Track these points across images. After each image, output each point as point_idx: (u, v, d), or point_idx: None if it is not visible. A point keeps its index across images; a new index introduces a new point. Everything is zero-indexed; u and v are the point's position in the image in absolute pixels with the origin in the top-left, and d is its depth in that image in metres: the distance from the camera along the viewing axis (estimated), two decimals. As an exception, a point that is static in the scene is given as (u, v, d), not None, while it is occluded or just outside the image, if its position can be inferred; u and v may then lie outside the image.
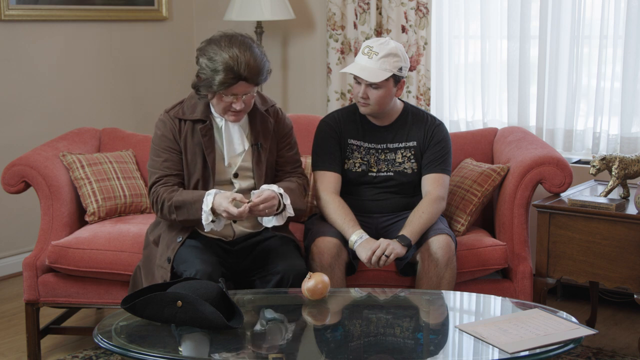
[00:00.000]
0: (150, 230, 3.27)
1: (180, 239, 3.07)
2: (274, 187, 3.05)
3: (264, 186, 3.06)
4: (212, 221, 2.97)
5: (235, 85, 2.97)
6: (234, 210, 2.91)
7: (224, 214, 2.94)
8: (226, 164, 3.14)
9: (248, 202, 2.93)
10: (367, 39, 4.62)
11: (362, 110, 3.36)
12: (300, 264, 3.06)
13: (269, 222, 3.08)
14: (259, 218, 3.10)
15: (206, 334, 2.50)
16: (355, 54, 4.52)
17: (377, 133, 3.44)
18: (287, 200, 3.06)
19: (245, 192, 3.12)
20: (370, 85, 3.27)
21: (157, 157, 3.14)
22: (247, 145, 3.15)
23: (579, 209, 3.31)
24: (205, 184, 3.11)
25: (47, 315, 3.90)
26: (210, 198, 2.96)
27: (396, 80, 3.30)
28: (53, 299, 3.54)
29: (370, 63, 3.25)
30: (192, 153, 3.11)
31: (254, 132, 3.18)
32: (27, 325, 3.56)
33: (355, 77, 3.31)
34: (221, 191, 3.00)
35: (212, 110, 3.14)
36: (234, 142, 3.13)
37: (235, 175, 3.16)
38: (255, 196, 2.96)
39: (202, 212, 2.96)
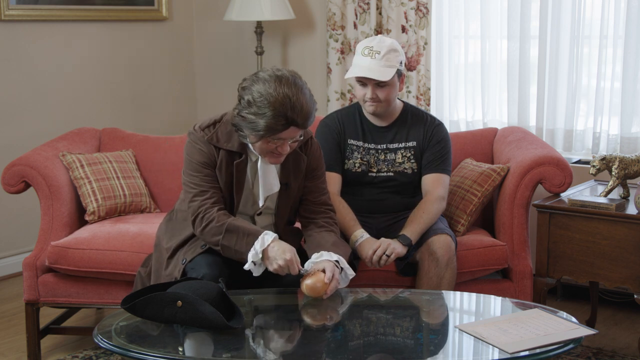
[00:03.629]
0: (162, 232, 3.15)
1: (185, 260, 2.96)
2: (327, 256, 2.84)
3: (323, 256, 2.85)
4: (254, 262, 2.79)
5: (285, 131, 2.73)
6: (295, 270, 2.75)
7: (280, 262, 2.74)
8: (261, 204, 2.96)
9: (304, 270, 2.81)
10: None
11: (372, 110, 3.34)
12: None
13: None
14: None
15: (209, 334, 2.50)
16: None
17: (377, 133, 3.44)
18: (344, 264, 2.86)
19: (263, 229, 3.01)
20: (379, 84, 3.27)
21: (197, 173, 2.91)
22: (279, 186, 2.96)
23: (579, 209, 3.31)
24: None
25: (47, 315, 3.89)
26: (269, 239, 2.78)
27: (398, 74, 3.31)
28: (53, 299, 3.54)
29: (374, 63, 3.25)
30: (222, 182, 2.92)
31: (285, 171, 2.98)
32: (27, 325, 3.56)
33: (360, 79, 3.30)
34: (279, 239, 2.82)
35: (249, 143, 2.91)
36: (270, 182, 2.93)
37: (259, 213, 3.03)
38: (328, 277, 2.76)
39: (252, 248, 2.78)
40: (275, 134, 2.74)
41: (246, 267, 2.81)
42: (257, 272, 2.83)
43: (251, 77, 2.79)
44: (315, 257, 2.86)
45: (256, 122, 2.71)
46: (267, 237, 2.79)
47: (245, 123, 2.75)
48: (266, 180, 2.93)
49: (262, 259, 2.80)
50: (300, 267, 2.79)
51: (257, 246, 2.78)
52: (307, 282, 2.76)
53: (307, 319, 2.77)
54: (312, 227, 3.05)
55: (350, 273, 2.90)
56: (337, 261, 2.85)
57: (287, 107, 2.68)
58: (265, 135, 2.73)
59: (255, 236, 2.80)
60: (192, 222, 2.92)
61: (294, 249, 2.80)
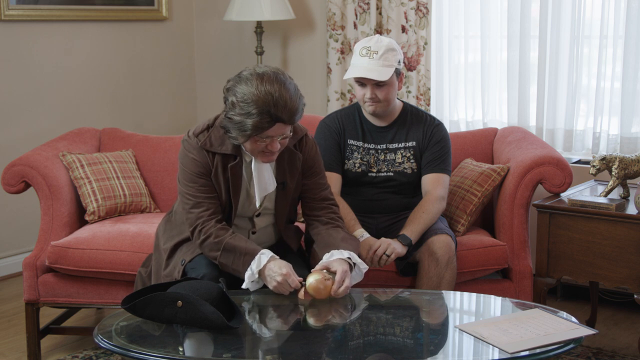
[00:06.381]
0: (161, 232, 3.16)
1: (184, 261, 2.97)
2: (338, 254, 2.84)
3: (334, 255, 2.83)
4: (252, 281, 2.78)
5: (272, 128, 2.72)
6: (295, 282, 2.73)
7: (278, 279, 2.72)
8: (257, 205, 2.95)
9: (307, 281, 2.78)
10: (367, 39, 4.63)
11: (372, 109, 3.34)
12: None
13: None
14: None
15: (209, 334, 2.50)
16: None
17: (377, 133, 3.44)
18: (356, 259, 2.87)
19: (263, 229, 3.02)
20: (377, 84, 3.27)
21: (192, 183, 2.90)
22: (275, 185, 2.95)
23: (579, 209, 3.31)
24: (226, 220, 2.95)
25: (47, 315, 3.90)
26: (264, 259, 2.77)
27: (397, 73, 3.31)
28: (53, 299, 3.54)
29: (372, 63, 3.25)
30: (219, 188, 2.91)
31: (281, 170, 2.96)
32: (27, 325, 3.56)
33: (359, 80, 3.30)
34: (276, 256, 2.80)
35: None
36: (265, 182, 2.91)
37: (257, 215, 3.02)
38: (337, 282, 2.75)
39: (248, 269, 2.77)
40: (262, 132, 2.72)
41: (244, 286, 2.80)
42: (253, 288, 2.82)
43: (234, 78, 2.78)
44: (326, 258, 2.85)
45: (243, 122, 2.71)
46: (264, 257, 2.78)
47: (233, 124, 2.75)
48: (261, 180, 2.92)
49: (260, 277, 2.79)
50: (300, 278, 2.77)
51: (254, 267, 2.77)
52: (310, 282, 2.74)
53: (307, 319, 2.77)
54: (317, 225, 3.04)
55: (364, 267, 2.90)
56: (349, 257, 2.85)
57: (271, 104, 2.67)
58: (252, 134, 2.73)
59: (252, 256, 2.79)
60: (190, 233, 2.93)
61: (289, 264, 2.78)
